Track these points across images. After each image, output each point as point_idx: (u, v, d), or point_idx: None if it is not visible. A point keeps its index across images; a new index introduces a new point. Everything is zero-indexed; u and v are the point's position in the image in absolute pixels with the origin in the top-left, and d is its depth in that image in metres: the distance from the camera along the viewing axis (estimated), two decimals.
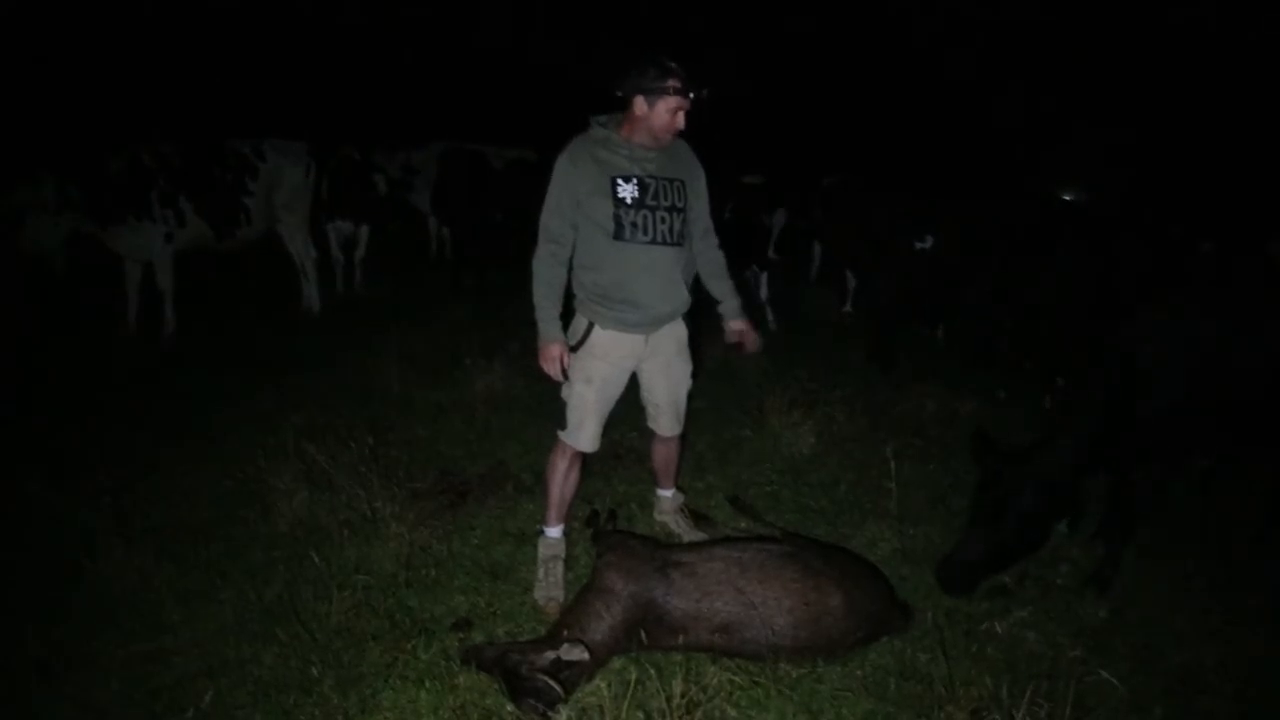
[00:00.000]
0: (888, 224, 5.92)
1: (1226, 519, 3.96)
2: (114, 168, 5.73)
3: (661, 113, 2.76)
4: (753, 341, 3.21)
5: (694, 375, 3.23)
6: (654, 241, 2.86)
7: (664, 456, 3.43)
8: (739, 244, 6.39)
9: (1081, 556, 3.47)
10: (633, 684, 2.44)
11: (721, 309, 3.22)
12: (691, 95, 2.77)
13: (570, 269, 2.94)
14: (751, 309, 6.63)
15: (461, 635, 2.80)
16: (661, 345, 3.07)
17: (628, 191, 2.81)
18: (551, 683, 2.38)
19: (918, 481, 4.10)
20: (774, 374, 5.41)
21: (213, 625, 2.87)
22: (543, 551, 3.16)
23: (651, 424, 3.30)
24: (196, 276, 6.48)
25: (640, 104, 2.77)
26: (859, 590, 2.78)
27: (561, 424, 3.05)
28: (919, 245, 5.63)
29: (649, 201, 2.84)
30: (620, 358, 3.00)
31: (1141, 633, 3.02)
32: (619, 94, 2.81)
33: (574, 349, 2.96)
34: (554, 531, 3.18)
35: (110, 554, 3.12)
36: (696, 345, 3.25)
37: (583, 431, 3.02)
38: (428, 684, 2.55)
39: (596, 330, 2.95)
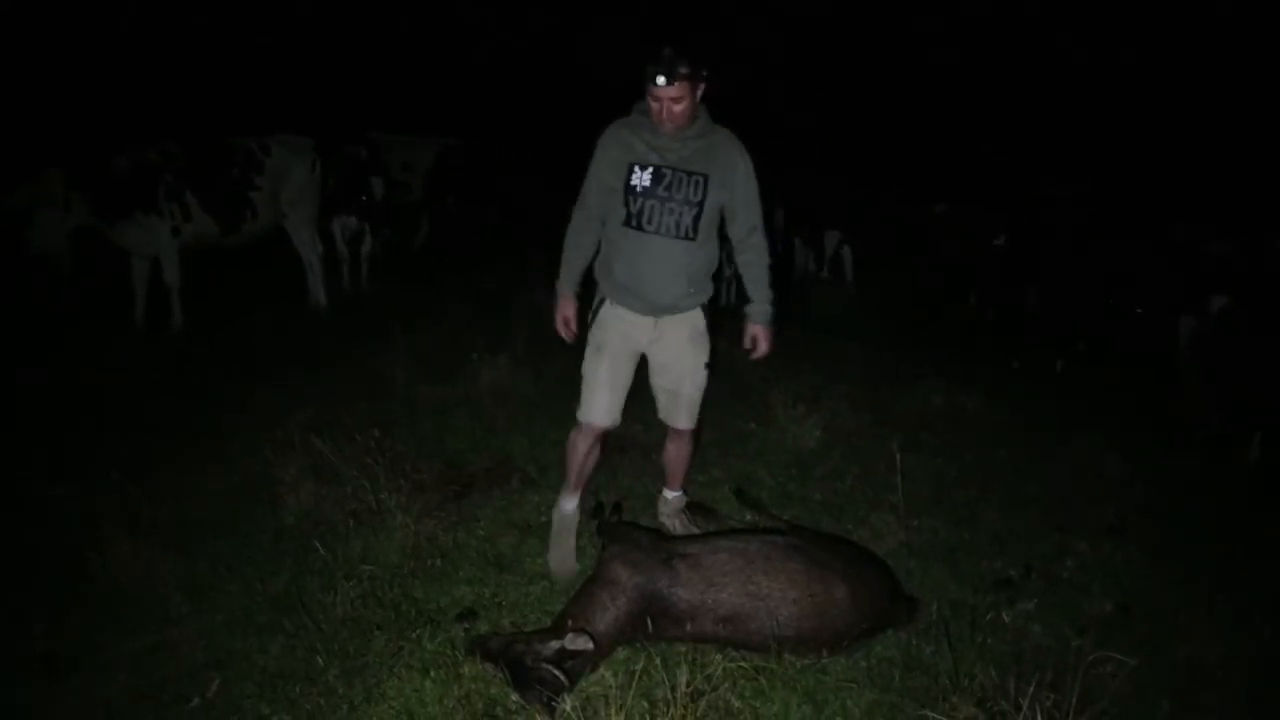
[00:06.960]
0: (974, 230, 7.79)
1: (1230, 517, 3.94)
2: (121, 164, 5.75)
3: (650, 101, 2.73)
4: (762, 351, 3.16)
5: (709, 368, 3.16)
6: (658, 233, 2.84)
7: (674, 454, 3.36)
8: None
9: (1087, 550, 3.46)
10: (638, 674, 2.45)
11: (748, 309, 3.16)
12: (662, 82, 2.63)
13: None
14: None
15: (467, 625, 2.81)
16: (671, 331, 3.04)
17: (639, 180, 2.82)
18: (556, 672, 2.39)
19: (923, 475, 4.09)
20: (779, 368, 5.40)
21: (219, 617, 2.88)
22: (556, 525, 3.24)
23: (663, 415, 3.25)
24: (203, 273, 6.49)
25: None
26: (864, 583, 2.78)
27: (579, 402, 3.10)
28: (996, 243, 7.43)
29: (660, 192, 2.81)
30: (628, 331, 3.03)
31: (1148, 627, 3.00)
32: None
33: (591, 320, 3.08)
34: (569, 504, 3.22)
35: (118, 548, 3.11)
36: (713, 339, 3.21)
37: (594, 401, 3.05)
38: (433, 673, 2.56)
39: (607, 304, 3.05)
